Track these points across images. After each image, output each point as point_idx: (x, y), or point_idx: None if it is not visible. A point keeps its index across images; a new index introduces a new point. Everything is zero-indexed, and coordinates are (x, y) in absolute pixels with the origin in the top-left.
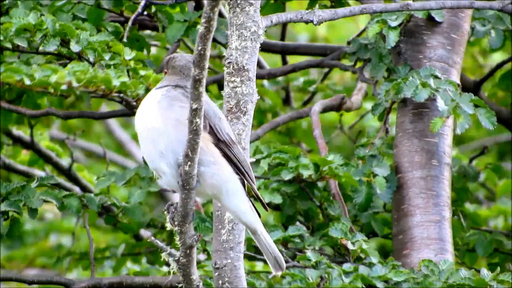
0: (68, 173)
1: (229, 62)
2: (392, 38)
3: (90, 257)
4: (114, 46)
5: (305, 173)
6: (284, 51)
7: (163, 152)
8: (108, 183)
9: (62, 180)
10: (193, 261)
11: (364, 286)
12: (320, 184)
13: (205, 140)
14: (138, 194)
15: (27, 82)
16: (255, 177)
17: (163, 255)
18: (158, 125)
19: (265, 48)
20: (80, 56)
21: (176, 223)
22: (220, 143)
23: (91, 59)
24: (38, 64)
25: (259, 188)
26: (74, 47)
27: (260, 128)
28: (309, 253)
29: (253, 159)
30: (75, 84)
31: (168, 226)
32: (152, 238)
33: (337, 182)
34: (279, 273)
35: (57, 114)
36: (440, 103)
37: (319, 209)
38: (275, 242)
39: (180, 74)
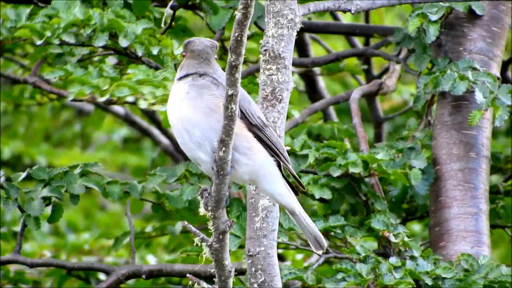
0: None
1: (265, 50)
2: (432, 32)
3: (131, 244)
4: (162, 40)
5: (355, 170)
6: (313, 30)
7: (200, 142)
8: (160, 179)
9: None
10: (226, 246)
11: (413, 282)
12: (368, 180)
13: (239, 126)
14: (189, 191)
15: (100, 100)
16: (302, 171)
17: (196, 240)
18: (191, 116)
19: (342, 31)
20: (125, 50)
21: (209, 208)
22: (252, 127)
23: (140, 54)
24: (94, 64)
25: (308, 184)
26: (123, 42)
27: (299, 114)
28: (358, 247)
29: (288, 148)
30: (152, 101)
31: (202, 211)
32: (186, 222)
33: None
34: (320, 252)
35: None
36: (478, 96)
37: (364, 204)
38: None
39: (198, 58)
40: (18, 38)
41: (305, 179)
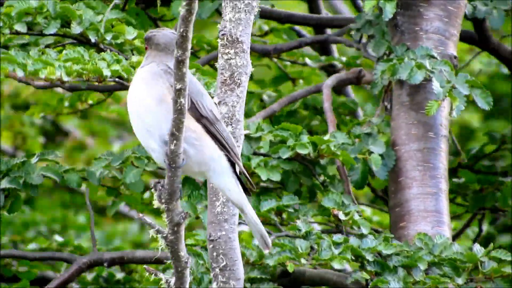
0: None
1: (223, 34)
2: (389, 10)
3: (91, 232)
4: (116, 26)
5: (303, 152)
6: (318, 25)
7: (149, 129)
8: (104, 163)
9: None
10: (181, 238)
11: (353, 258)
12: (323, 161)
13: (187, 118)
14: (133, 174)
15: (20, 73)
16: (259, 154)
17: (151, 232)
18: (143, 102)
19: (302, 21)
20: (84, 37)
21: (163, 200)
22: (202, 119)
23: (93, 40)
24: (39, 50)
25: (258, 165)
26: (75, 29)
27: (277, 102)
28: (299, 223)
29: (248, 131)
30: (65, 78)
31: (156, 203)
32: (141, 215)
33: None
34: (267, 251)
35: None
36: (436, 86)
37: (322, 187)
38: (269, 210)
39: (165, 50)
40: None
41: (255, 161)
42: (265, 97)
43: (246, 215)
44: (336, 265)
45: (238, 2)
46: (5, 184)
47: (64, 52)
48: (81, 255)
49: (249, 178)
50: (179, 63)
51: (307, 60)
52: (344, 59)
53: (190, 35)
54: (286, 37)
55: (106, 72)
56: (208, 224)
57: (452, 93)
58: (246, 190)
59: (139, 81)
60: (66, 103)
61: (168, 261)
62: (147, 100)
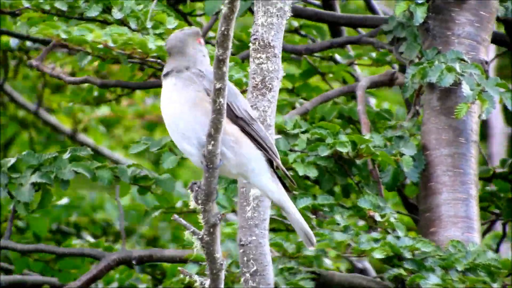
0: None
1: (255, 39)
2: (420, 14)
3: (121, 230)
4: (157, 14)
5: (342, 150)
6: (350, 24)
7: (184, 133)
8: (143, 147)
9: None
10: (217, 239)
11: (392, 254)
12: (359, 162)
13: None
14: (171, 160)
15: (63, 36)
16: (295, 150)
17: (186, 233)
18: (176, 108)
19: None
20: (123, 24)
21: (199, 201)
22: (238, 120)
23: (133, 27)
24: (76, 24)
25: (294, 161)
26: (116, 14)
27: (310, 101)
28: (337, 218)
29: (279, 136)
30: (111, 44)
31: (192, 204)
32: (176, 216)
33: (375, 160)
34: (312, 248)
35: (95, 82)
36: (465, 88)
37: (357, 187)
38: (304, 208)
39: (173, 54)
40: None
41: (292, 157)
42: (297, 104)
43: (288, 214)
44: (377, 255)
45: (270, 6)
46: (35, 178)
47: (108, 28)
48: (109, 252)
49: (289, 175)
50: (220, 62)
51: (337, 56)
52: (374, 55)
53: (232, 33)
54: (316, 33)
55: (151, 45)
56: (238, 229)
57: (481, 95)
58: (286, 188)
59: (170, 88)
60: (96, 93)
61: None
62: (180, 105)
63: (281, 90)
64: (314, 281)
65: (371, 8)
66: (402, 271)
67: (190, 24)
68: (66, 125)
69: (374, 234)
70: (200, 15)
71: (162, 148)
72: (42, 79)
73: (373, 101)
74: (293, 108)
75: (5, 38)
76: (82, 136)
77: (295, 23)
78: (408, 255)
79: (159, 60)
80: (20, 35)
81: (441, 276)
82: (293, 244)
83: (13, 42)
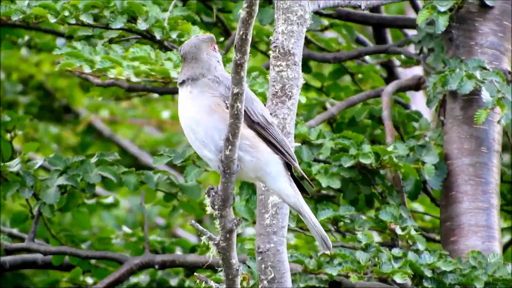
0: None
1: (275, 46)
2: (442, 23)
3: (144, 234)
4: (182, 24)
5: (365, 162)
6: (380, 24)
7: (204, 140)
8: (166, 160)
9: None
10: (233, 245)
11: (413, 273)
12: (382, 171)
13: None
14: (195, 173)
15: (87, 70)
16: (319, 160)
17: (203, 239)
18: (194, 115)
19: (361, 20)
20: (148, 33)
21: (216, 207)
22: (254, 125)
23: (158, 37)
24: (103, 44)
25: (318, 172)
26: (141, 25)
27: (335, 106)
28: (359, 235)
29: (298, 144)
30: (133, 78)
31: (209, 210)
32: (193, 221)
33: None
34: (328, 252)
35: (122, 86)
36: (485, 95)
37: (380, 196)
38: (326, 220)
39: (187, 61)
40: (34, 16)
41: (315, 168)
42: (328, 105)
43: (305, 218)
44: (398, 279)
45: (290, 14)
46: (62, 181)
47: (131, 50)
48: (132, 256)
49: (307, 178)
50: (238, 66)
51: (366, 57)
52: (403, 57)
53: (250, 38)
54: (346, 32)
55: (173, 74)
56: (256, 236)
57: (501, 101)
58: (304, 191)
59: (187, 96)
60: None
61: (219, 269)
62: (197, 113)
63: (310, 89)
64: None
65: (416, 8)
66: None
67: (221, 21)
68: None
69: (395, 251)
70: (231, 12)
71: (186, 160)
72: None
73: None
74: (324, 108)
75: None
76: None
77: (326, 22)
78: (428, 273)
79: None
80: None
81: None
82: (313, 259)
83: (60, 42)
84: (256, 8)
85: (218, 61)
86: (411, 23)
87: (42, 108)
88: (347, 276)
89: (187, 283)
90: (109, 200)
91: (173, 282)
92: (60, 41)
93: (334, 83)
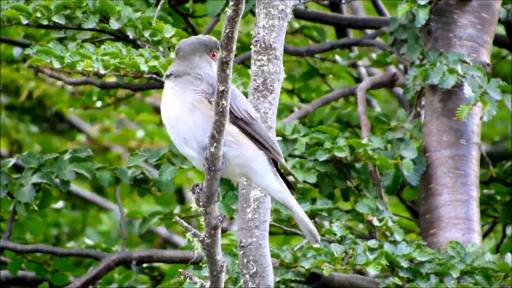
0: None
1: (256, 41)
2: (422, 16)
3: (121, 230)
4: (156, 24)
5: (340, 155)
6: (352, 25)
7: (185, 137)
8: (141, 159)
9: None
10: (218, 241)
11: (388, 264)
12: (358, 165)
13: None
14: (170, 171)
15: (56, 65)
16: (294, 155)
17: (188, 235)
18: (175, 112)
19: (333, 21)
20: (121, 33)
21: (201, 203)
22: (238, 120)
23: (131, 37)
24: (77, 44)
25: (293, 167)
26: (114, 25)
27: (310, 104)
28: (334, 228)
29: (280, 138)
30: (102, 71)
31: (193, 206)
32: (177, 218)
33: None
34: (317, 245)
35: (95, 83)
36: (467, 90)
37: (356, 190)
38: None
39: (182, 58)
40: (6, 19)
41: (291, 163)
42: (295, 109)
43: (292, 212)
44: (371, 270)
45: (271, 9)
46: (36, 179)
47: (102, 47)
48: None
49: (293, 173)
50: (223, 64)
51: (337, 57)
52: (374, 56)
53: (236, 36)
54: (317, 34)
55: (144, 68)
56: (238, 231)
57: (483, 98)
58: (290, 186)
59: (169, 92)
60: (95, 98)
61: (202, 264)
62: (179, 110)
63: (281, 91)
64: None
65: (378, 9)
66: (397, 280)
67: (191, 26)
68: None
69: (371, 243)
70: (201, 17)
71: (161, 159)
72: None
73: (376, 104)
74: (292, 111)
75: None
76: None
77: (296, 25)
78: (404, 264)
79: (154, 76)
80: (23, 44)
81: (436, 285)
82: (289, 253)
83: (16, 52)
84: (243, 7)
85: (209, 66)
86: (383, 23)
87: (36, 117)
88: (319, 268)
89: None
90: (59, 205)
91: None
92: (17, 50)
93: (305, 84)
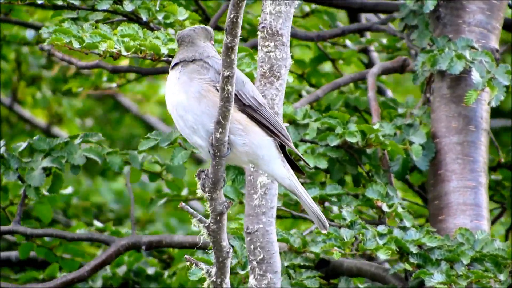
0: None
1: (263, 27)
2: (430, 2)
3: (131, 215)
4: (168, 6)
5: (352, 140)
6: (363, 9)
7: (194, 126)
8: (153, 143)
9: None
10: (223, 227)
11: (397, 249)
12: (369, 151)
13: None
14: (181, 155)
15: (76, 45)
16: (305, 141)
17: (193, 221)
18: (182, 101)
19: (343, 5)
20: (134, 15)
21: (206, 189)
22: (246, 107)
23: (144, 19)
24: (91, 24)
25: (304, 152)
26: (128, 6)
27: (320, 88)
28: (344, 213)
29: (287, 124)
30: (124, 53)
31: (199, 192)
32: (183, 204)
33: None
34: (325, 231)
35: (106, 67)
36: (475, 76)
37: (367, 176)
38: (313, 199)
39: (183, 44)
40: None
41: (302, 148)
42: (304, 92)
43: (300, 198)
44: (381, 255)
45: None
46: (47, 163)
47: (119, 28)
48: (119, 238)
49: (303, 158)
50: (228, 49)
51: (347, 42)
52: (384, 41)
53: (241, 21)
54: (327, 18)
55: (163, 50)
56: (245, 217)
57: (491, 83)
58: (299, 171)
59: (175, 82)
60: (105, 78)
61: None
62: (186, 99)
63: (291, 76)
64: (320, 272)
65: None
66: (407, 266)
67: (202, 9)
68: (40, 119)
69: (380, 228)
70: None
71: (173, 143)
72: (17, 72)
73: (388, 91)
74: (300, 95)
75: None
76: (57, 130)
77: (307, 8)
78: (414, 249)
79: (171, 59)
80: (35, 26)
81: (446, 271)
82: (298, 238)
83: (29, 34)
84: None
85: (214, 50)
86: (393, 7)
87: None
88: (329, 253)
89: None
90: (68, 190)
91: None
92: (29, 32)
93: (315, 69)
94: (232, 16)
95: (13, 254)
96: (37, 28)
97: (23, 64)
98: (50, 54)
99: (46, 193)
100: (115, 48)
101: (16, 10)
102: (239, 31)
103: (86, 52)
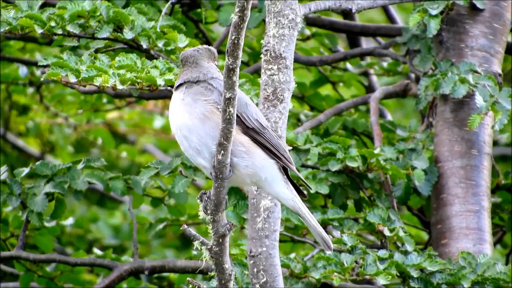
0: None
1: (266, 50)
2: (433, 26)
3: (133, 240)
4: (168, 33)
5: (353, 165)
6: (364, 33)
7: (198, 148)
8: (154, 172)
9: None
10: (226, 250)
11: (398, 274)
12: (371, 175)
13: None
14: (182, 183)
15: (72, 79)
16: (307, 166)
17: (196, 244)
18: (187, 123)
19: (344, 29)
20: (135, 42)
21: (209, 211)
22: (249, 130)
23: (145, 46)
24: (90, 54)
25: (306, 178)
26: (128, 34)
27: (323, 113)
28: (345, 237)
29: (290, 147)
30: (119, 86)
31: (201, 214)
32: (185, 226)
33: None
34: (329, 252)
35: (109, 92)
36: (479, 99)
37: (369, 200)
38: None
39: (187, 64)
40: (20, 27)
41: (303, 173)
42: (302, 116)
43: (304, 219)
44: (381, 280)
45: (281, 18)
46: (49, 188)
47: (117, 59)
48: (122, 263)
49: (304, 180)
50: (230, 71)
51: (348, 65)
52: (385, 64)
53: (242, 42)
54: (328, 41)
55: (160, 81)
56: (248, 240)
57: (495, 106)
58: (301, 193)
59: (179, 103)
60: (105, 100)
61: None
62: (191, 120)
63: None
64: None
65: (390, 17)
66: None
67: (202, 32)
68: (33, 148)
69: (381, 253)
70: (213, 23)
71: (173, 171)
72: (9, 101)
73: (388, 114)
74: (298, 119)
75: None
76: (50, 158)
77: (308, 32)
78: (415, 273)
79: (169, 88)
80: (29, 62)
81: None
82: (299, 264)
83: (22, 71)
84: (248, 13)
85: (218, 71)
86: (394, 31)
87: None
88: (329, 278)
89: None
90: (69, 222)
91: None
92: (22, 70)
93: (315, 92)
94: (233, 37)
95: (12, 285)
96: (30, 64)
97: (13, 94)
98: (58, 80)
99: (48, 222)
100: (111, 82)
101: (9, 46)
102: (241, 53)
103: (83, 85)
